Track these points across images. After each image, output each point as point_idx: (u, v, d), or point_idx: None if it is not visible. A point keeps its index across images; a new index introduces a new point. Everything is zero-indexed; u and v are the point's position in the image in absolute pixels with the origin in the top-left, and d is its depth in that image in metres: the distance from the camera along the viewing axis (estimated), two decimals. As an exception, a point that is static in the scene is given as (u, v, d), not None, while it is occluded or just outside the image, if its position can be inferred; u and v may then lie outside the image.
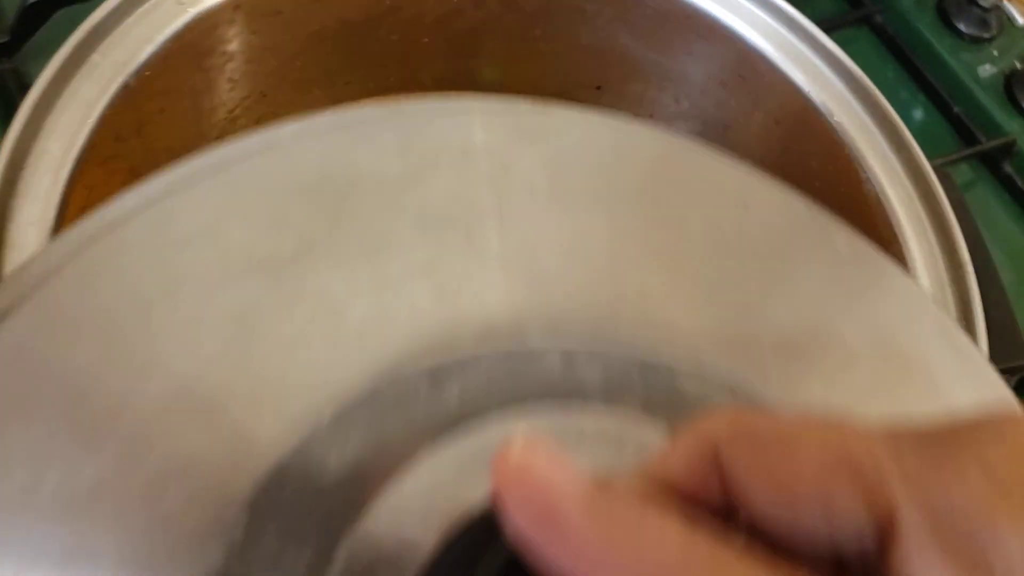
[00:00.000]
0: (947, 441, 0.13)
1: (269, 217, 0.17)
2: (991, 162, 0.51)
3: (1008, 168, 0.49)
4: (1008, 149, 0.48)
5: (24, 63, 0.43)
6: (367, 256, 0.18)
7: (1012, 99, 0.50)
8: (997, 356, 0.34)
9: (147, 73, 0.32)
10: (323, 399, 0.15)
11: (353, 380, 0.16)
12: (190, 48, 0.35)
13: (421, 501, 0.15)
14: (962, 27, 0.55)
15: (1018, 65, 0.51)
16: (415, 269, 0.17)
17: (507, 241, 0.18)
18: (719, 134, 0.42)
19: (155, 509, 0.15)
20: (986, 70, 0.53)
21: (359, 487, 0.15)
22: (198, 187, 0.17)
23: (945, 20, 0.55)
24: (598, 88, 0.44)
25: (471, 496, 0.14)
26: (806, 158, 0.39)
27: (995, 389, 0.21)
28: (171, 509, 0.15)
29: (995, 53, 0.54)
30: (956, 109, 0.52)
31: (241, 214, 0.17)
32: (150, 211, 0.17)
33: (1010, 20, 0.54)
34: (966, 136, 0.51)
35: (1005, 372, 0.38)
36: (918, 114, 0.51)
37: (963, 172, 0.49)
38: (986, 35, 0.54)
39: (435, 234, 0.18)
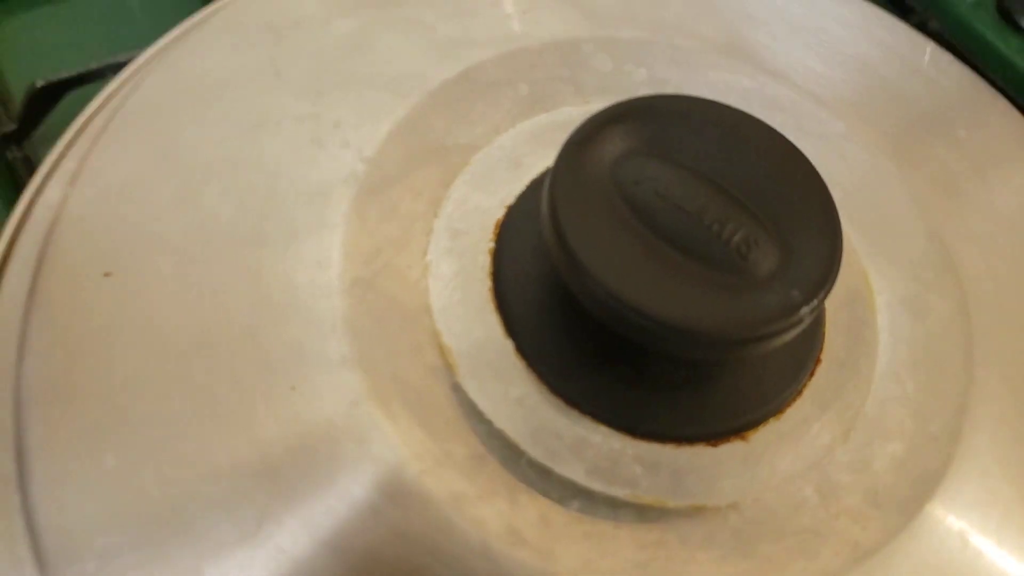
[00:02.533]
0: None
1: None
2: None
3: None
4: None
5: (34, 150, 0.42)
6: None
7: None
8: None
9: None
10: (421, 87, 0.21)
11: (446, 74, 0.21)
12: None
13: (505, 165, 0.21)
14: (1028, 25, 0.51)
15: (1096, 63, 0.48)
16: (488, 3, 0.23)
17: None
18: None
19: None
20: (1058, 71, 0.49)
21: (460, 154, 0.20)
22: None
23: (1008, 20, 0.52)
24: None
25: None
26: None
27: None
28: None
29: (1066, 52, 0.50)
30: (1029, 114, 0.48)
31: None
32: None
33: (1080, 16, 0.50)
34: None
35: None
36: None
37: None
38: (1055, 33, 0.50)
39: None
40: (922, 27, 0.52)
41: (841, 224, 0.17)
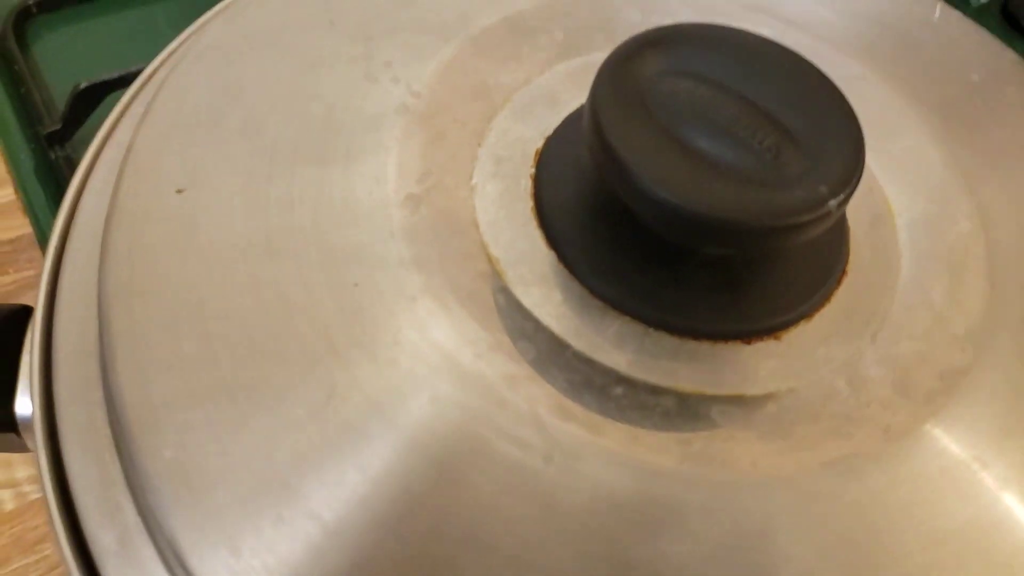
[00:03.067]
0: None
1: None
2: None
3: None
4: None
5: (77, 151, 0.44)
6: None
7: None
8: None
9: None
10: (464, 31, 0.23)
11: (486, 21, 0.23)
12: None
13: (544, 102, 0.22)
14: (1034, 28, 0.53)
15: (1103, 58, 0.49)
16: None
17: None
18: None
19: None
20: (1069, 70, 0.50)
21: (501, 92, 0.22)
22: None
23: (1013, 23, 0.54)
24: None
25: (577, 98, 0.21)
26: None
27: None
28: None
29: (1074, 51, 0.51)
30: (1043, 113, 0.50)
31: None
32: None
33: (1083, 16, 0.52)
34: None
35: None
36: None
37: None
38: (1060, 34, 0.51)
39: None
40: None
41: (862, 130, 0.19)
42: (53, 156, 0.45)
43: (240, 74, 0.22)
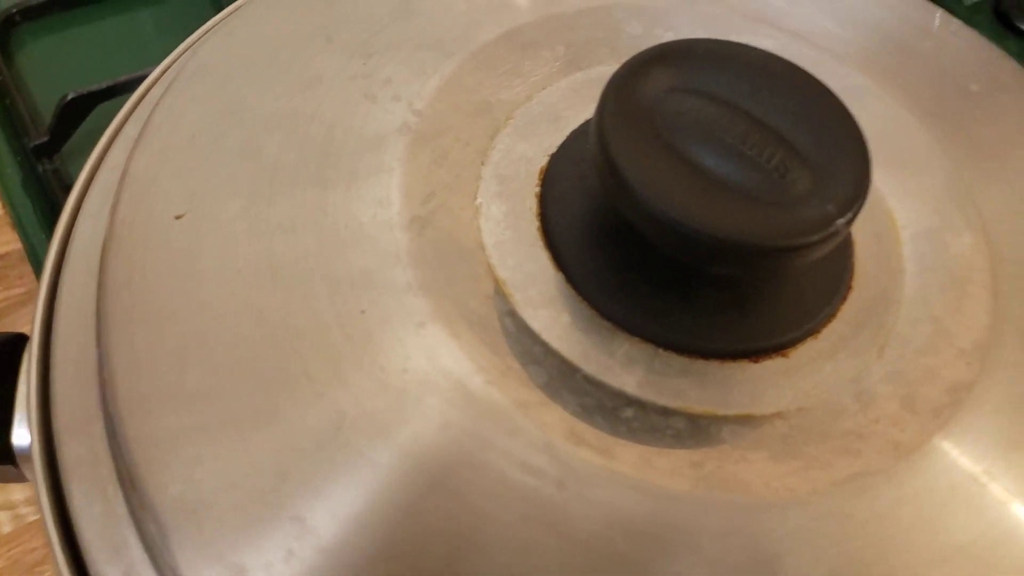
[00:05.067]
0: None
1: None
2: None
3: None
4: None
5: (65, 163, 0.44)
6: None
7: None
8: None
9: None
10: (464, 47, 0.23)
11: (487, 36, 0.23)
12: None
13: (547, 118, 0.22)
14: (1025, 27, 0.53)
15: (1096, 56, 0.50)
16: None
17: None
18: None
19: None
20: (1059, 69, 0.50)
21: (503, 108, 0.22)
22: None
23: (1006, 23, 0.54)
24: None
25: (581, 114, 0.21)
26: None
27: None
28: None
29: (1066, 50, 0.52)
30: (1036, 110, 0.50)
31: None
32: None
33: (1076, 14, 0.52)
34: (1052, 137, 0.49)
35: None
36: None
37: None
38: (1052, 33, 0.52)
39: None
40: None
41: (868, 147, 0.19)
42: (41, 169, 0.45)
43: (237, 94, 0.22)
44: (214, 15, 0.27)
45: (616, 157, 0.18)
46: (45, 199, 0.44)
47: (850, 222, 0.18)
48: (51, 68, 0.48)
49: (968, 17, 0.55)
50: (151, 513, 0.17)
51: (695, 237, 0.17)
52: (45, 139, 0.45)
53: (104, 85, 0.44)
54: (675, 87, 0.19)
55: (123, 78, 0.44)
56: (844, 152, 0.19)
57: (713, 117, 0.19)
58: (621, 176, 0.18)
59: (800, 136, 0.19)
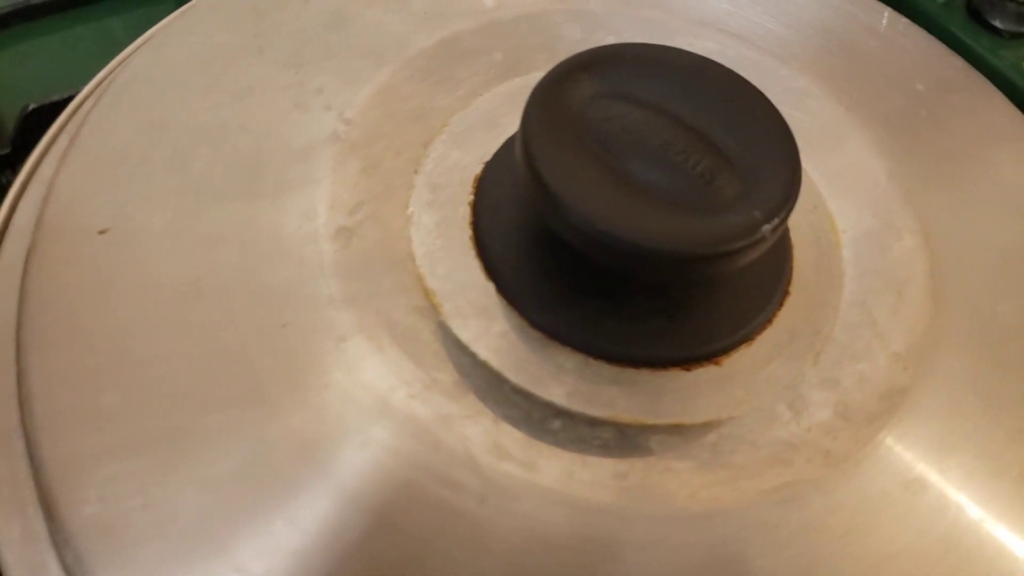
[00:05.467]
0: None
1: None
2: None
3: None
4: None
5: (27, 174, 0.43)
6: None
7: (1067, 90, 0.48)
8: None
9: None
10: (399, 55, 0.23)
11: (423, 43, 0.23)
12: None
13: (483, 125, 0.22)
14: (998, 24, 0.53)
15: (1066, 53, 0.49)
16: None
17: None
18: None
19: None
20: (1034, 64, 0.50)
21: (438, 115, 0.22)
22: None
23: (978, 19, 0.54)
24: None
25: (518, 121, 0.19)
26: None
27: None
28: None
29: (1037, 47, 0.52)
30: (1010, 108, 0.50)
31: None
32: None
33: (1049, 11, 0.52)
34: (1027, 134, 0.49)
35: None
36: (971, 116, 0.49)
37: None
38: (1025, 29, 0.52)
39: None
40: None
41: (798, 152, 0.19)
42: (4, 180, 0.44)
43: (166, 107, 0.21)
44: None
45: (539, 166, 0.18)
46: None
47: (777, 228, 0.18)
48: (14, 79, 0.47)
49: (941, 14, 0.55)
50: (65, 535, 0.16)
51: (617, 246, 0.17)
52: (7, 150, 0.44)
53: (65, 95, 0.43)
54: (602, 93, 0.19)
55: (85, 89, 0.44)
56: (773, 157, 0.19)
57: (640, 123, 0.19)
58: (544, 185, 0.18)
59: (729, 141, 0.19)
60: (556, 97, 0.19)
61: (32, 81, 0.46)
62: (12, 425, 0.19)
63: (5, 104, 0.46)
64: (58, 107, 0.43)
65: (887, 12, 0.28)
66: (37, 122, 0.43)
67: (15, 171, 0.45)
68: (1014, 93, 0.50)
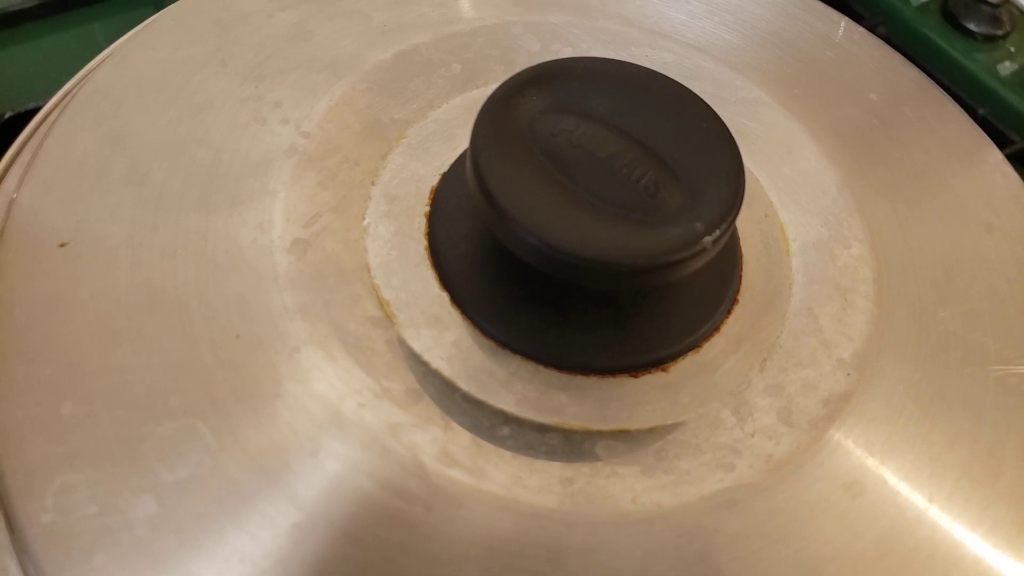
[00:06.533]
0: None
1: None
2: (1031, 159, 0.49)
3: (1049, 163, 0.47)
4: (1047, 143, 0.47)
5: (3, 181, 0.44)
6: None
7: (1040, 93, 0.48)
8: None
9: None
10: (357, 68, 0.23)
11: (381, 56, 0.24)
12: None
13: (440, 137, 0.23)
14: (973, 27, 0.54)
15: (1040, 57, 0.50)
16: None
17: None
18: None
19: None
20: (1006, 67, 0.51)
21: (396, 127, 0.23)
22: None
23: (953, 22, 0.55)
24: None
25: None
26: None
27: None
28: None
29: (1012, 49, 0.53)
30: (981, 111, 0.51)
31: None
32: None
33: (1022, 13, 0.53)
34: (997, 137, 0.50)
35: None
36: (944, 119, 0.50)
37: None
38: (999, 32, 0.53)
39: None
40: (871, 33, 0.55)
41: (743, 164, 0.19)
42: (-22, 188, 0.44)
43: (127, 120, 0.22)
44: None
45: (488, 180, 0.18)
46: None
47: (719, 239, 0.18)
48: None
49: (916, 17, 0.56)
50: (23, 543, 0.17)
51: (560, 258, 0.18)
52: (-17, 158, 0.45)
53: (41, 103, 0.44)
54: (550, 107, 0.20)
55: (50, 102, 0.44)
56: (717, 170, 0.19)
57: (587, 137, 0.19)
58: (492, 198, 0.18)
59: (675, 154, 0.19)
60: (505, 112, 0.19)
61: (11, 87, 0.47)
62: (-28, 435, 0.19)
63: (-20, 111, 0.47)
64: (33, 115, 0.43)
65: (843, 22, 0.28)
66: (12, 130, 0.43)
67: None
68: (988, 94, 0.51)
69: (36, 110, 0.43)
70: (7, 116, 0.43)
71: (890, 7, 0.55)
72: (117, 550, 0.17)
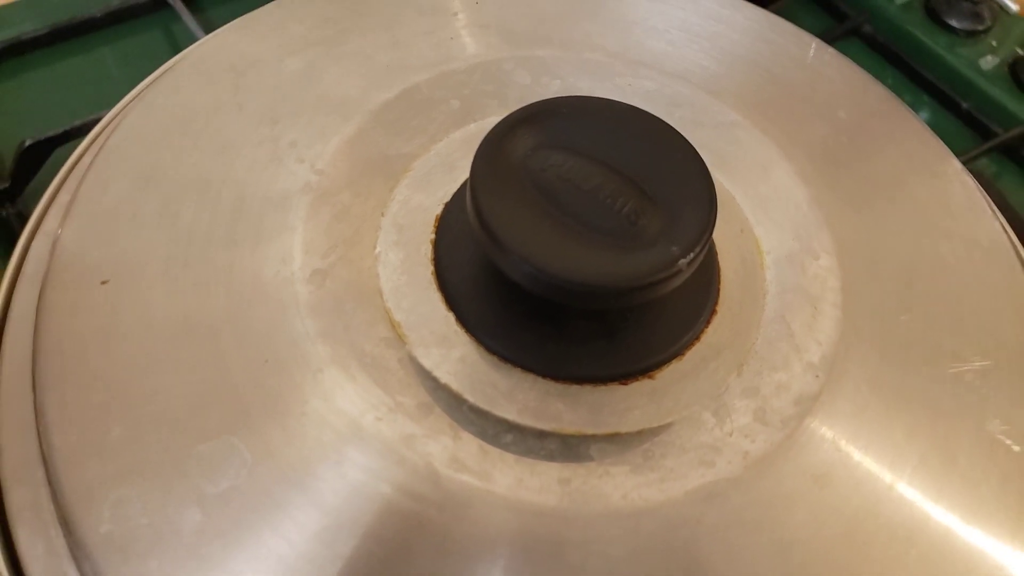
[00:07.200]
0: None
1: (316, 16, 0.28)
2: (1012, 152, 0.51)
3: (1031, 154, 0.49)
4: (1028, 136, 0.49)
5: (27, 207, 0.46)
6: (384, 28, 0.28)
7: (1021, 86, 0.50)
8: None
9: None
10: (364, 108, 0.26)
11: (386, 95, 0.26)
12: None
13: (442, 169, 0.25)
14: (954, 23, 0.56)
15: (1020, 51, 0.52)
16: (419, 34, 0.28)
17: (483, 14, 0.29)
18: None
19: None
20: (988, 62, 0.53)
21: (401, 162, 0.25)
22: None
23: (935, 19, 0.57)
24: None
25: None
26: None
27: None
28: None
29: (994, 43, 0.55)
30: (965, 106, 0.52)
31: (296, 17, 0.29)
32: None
33: (1003, 8, 0.55)
34: (981, 131, 0.51)
35: None
36: (926, 116, 0.52)
37: (986, 166, 0.49)
38: (980, 27, 0.55)
39: (431, 15, 0.29)
40: (856, 31, 0.57)
41: (715, 191, 0.21)
42: (4, 213, 0.47)
43: (155, 162, 0.24)
44: (172, 55, 0.29)
45: (485, 213, 0.20)
46: (10, 243, 0.46)
47: (694, 261, 0.21)
48: (9, 113, 0.49)
49: (900, 15, 0.58)
50: (84, 551, 0.19)
51: (552, 282, 0.20)
52: (7, 184, 0.47)
53: (61, 130, 0.46)
54: (541, 144, 0.22)
55: (78, 123, 0.47)
56: (690, 195, 0.21)
57: (574, 170, 0.21)
58: (490, 229, 0.20)
59: (652, 182, 0.21)
60: (500, 150, 0.21)
61: (27, 114, 0.49)
62: (33, 456, 0.21)
63: (1, 139, 0.49)
64: (53, 142, 0.46)
65: (814, 44, 0.30)
66: (34, 156, 0.46)
67: (14, 204, 0.47)
68: (971, 88, 0.53)
69: (53, 137, 0.46)
70: (27, 144, 0.45)
71: (874, 5, 0.57)
72: (169, 555, 0.19)
